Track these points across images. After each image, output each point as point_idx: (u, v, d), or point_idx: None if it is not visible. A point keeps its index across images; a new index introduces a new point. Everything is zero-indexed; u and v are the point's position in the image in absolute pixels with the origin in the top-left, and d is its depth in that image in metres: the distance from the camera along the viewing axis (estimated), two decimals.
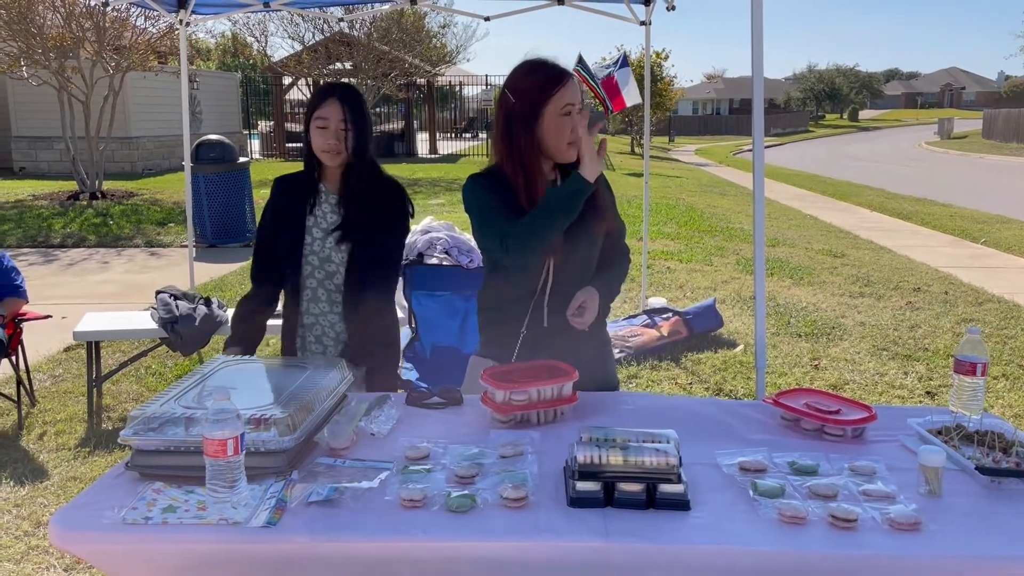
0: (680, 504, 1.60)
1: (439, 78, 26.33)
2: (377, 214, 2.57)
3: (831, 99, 74.64)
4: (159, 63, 16.38)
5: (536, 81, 2.21)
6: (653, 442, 1.71)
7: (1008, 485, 1.71)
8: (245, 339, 2.59)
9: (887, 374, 5.09)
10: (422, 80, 24.91)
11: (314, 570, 1.47)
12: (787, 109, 70.57)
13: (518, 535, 1.50)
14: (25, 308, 4.41)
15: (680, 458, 1.67)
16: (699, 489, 1.68)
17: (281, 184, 2.69)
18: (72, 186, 14.26)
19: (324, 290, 2.61)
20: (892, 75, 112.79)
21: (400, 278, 4.45)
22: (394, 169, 20.42)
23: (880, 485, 1.69)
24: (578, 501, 1.61)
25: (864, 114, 78.42)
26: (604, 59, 8.29)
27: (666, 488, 1.61)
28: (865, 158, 29.42)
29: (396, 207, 2.62)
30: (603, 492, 1.62)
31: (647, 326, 5.61)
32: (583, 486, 1.62)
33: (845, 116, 74.61)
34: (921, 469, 1.69)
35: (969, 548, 1.46)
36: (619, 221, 2.43)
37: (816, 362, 5.32)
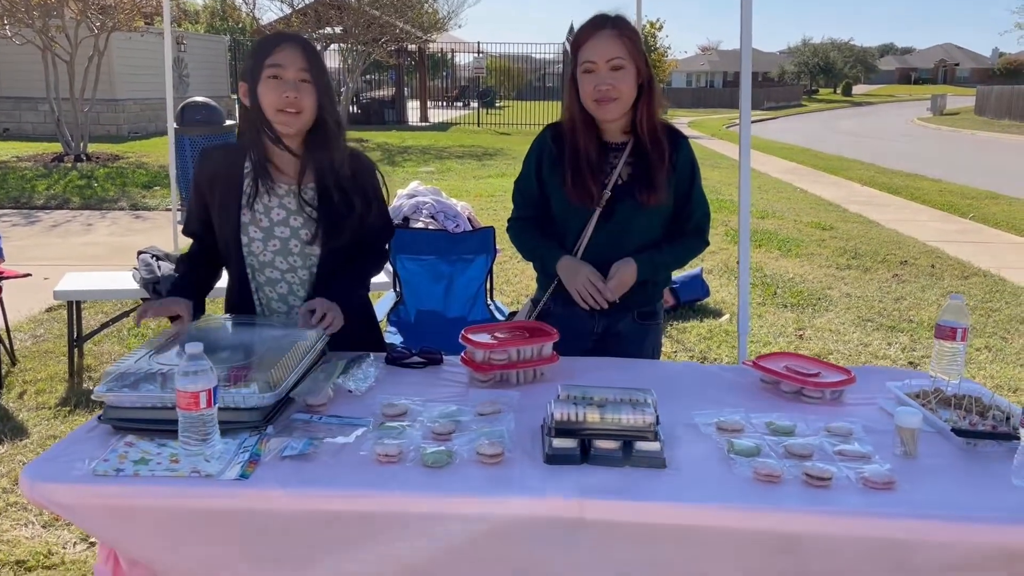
0: (656, 462, 1.59)
1: (431, 45, 26.03)
2: (354, 207, 2.09)
3: (825, 73, 74.29)
4: (145, 23, 16.10)
5: (574, 39, 2.23)
6: (631, 401, 1.70)
7: (984, 447, 1.71)
8: (185, 295, 2.07)
9: (871, 344, 5.11)
10: (413, 47, 24.62)
11: (286, 523, 1.46)
12: (781, 83, 70.25)
13: (493, 491, 1.50)
14: (3, 267, 4.35)
15: (657, 416, 1.66)
16: (676, 447, 1.67)
17: (208, 161, 2.10)
18: (56, 148, 14.07)
19: (265, 294, 2.18)
20: (887, 50, 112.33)
21: None
22: (384, 137, 20.28)
23: (856, 446, 1.69)
24: (554, 458, 1.60)
25: (858, 89, 78.16)
26: None
27: (642, 446, 1.60)
28: (857, 133, 29.35)
29: (375, 196, 2.18)
30: (579, 449, 1.61)
31: None
32: (559, 443, 1.61)
33: (839, 91, 74.35)
34: (897, 430, 1.69)
35: (942, 507, 1.47)
36: (696, 204, 2.34)
37: (800, 332, 5.34)
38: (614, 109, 2.18)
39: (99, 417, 1.71)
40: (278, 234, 2.08)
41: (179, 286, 2.14)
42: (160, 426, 1.65)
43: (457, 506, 1.47)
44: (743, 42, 2.83)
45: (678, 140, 2.31)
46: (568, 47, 7.43)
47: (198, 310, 2.11)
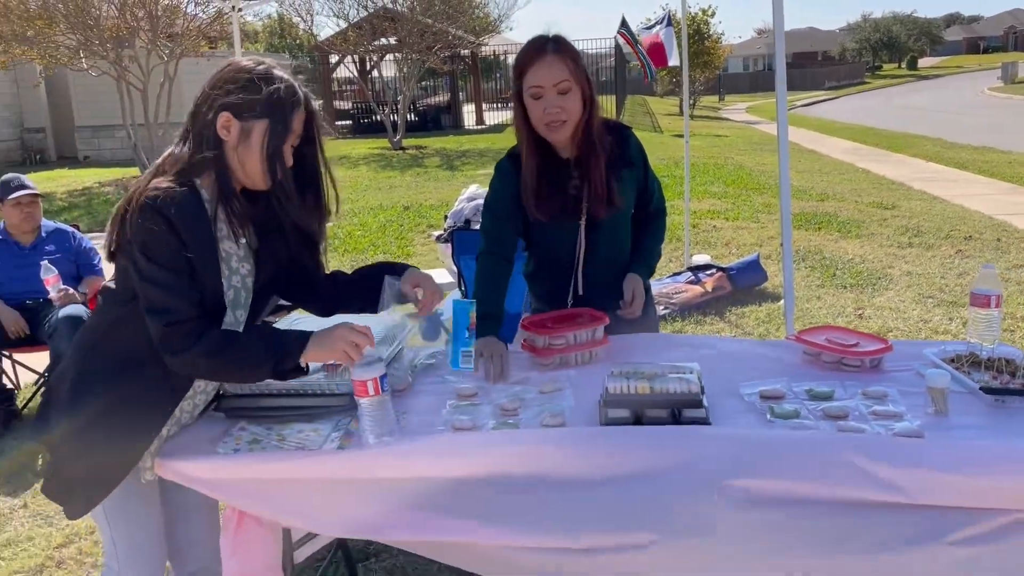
0: (702, 425, 1.77)
1: (483, 48, 26.34)
2: None
3: (888, 48, 72.25)
4: (210, 48, 16.80)
5: (516, 61, 2.27)
6: (678, 373, 1.88)
7: (1012, 403, 1.84)
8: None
9: (931, 320, 5.13)
10: (466, 51, 24.97)
11: (378, 484, 1.69)
12: (842, 61, 68.58)
13: (556, 440, 1.71)
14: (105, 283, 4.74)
15: (702, 386, 1.84)
16: (720, 414, 1.85)
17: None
18: (135, 172, 14.83)
19: None
20: (952, 20, 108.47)
21: (449, 244, 4.66)
22: (442, 142, 20.63)
23: (890, 406, 1.84)
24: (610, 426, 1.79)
25: (924, 62, 75.70)
26: (648, 19, 8.35)
27: (689, 412, 1.79)
28: (924, 107, 28.56)
29: None
30: (632, 419, 1.80)
31: (691, 283, 5.73)
32: (614, 413, 1.80)
33: (903, 65, 72.18)
34: (928, 391, 1.83)
35: (967, 451, 1.61)
36: (653, 186, 2.50)
37: (860, 311, 5.39)
38: (565, 131, 2.24)
39: (215, 407, 1.97)
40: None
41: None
42: (265, 412, 1.91)
43: (526, 454, 1.69)
44: (776, 24, 2.95)
45: (624, 134, 2.41)
46: (619, 40, 7.58)
47: None
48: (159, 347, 1.68)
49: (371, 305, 2.02)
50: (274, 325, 2.07)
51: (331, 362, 1.90)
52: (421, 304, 2.00)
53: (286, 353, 1.72)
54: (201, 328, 1.69)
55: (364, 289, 2.01)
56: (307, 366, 1.77)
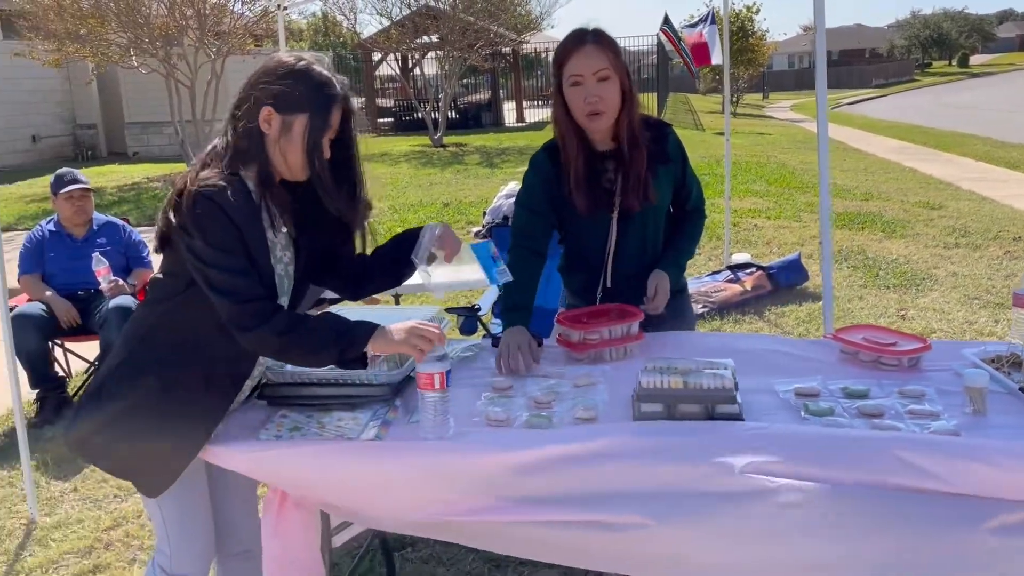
0: (735, 420, 1.78)
1: (524, 46, 26.36)
2: None
3: (938, 45, 70.72)
4: (256, 46, 17.07)
5: (556, 54, 2.29)
6: (712, 369, 1.89)
7: None
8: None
9: (976, 322, 5.04)
10: (507, 49, 25.01)
11: (412, 472, 1.73)
12: (890, 58, 67.27)
13: (588, 436, 1.72)
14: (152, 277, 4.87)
15: (736, 382, 1.84)
16: (754, 410, 1.85)
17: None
18: (182, 168, 15.04)
19: None
20: (1006, 16, 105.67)
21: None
22: (482, 140, 20.70)
23: (927, 406, 1.83)
24: (643, 420, 1.81)
25: (975, 59, 73.88)
26: (691, 16, 8.32)
27: (722, 408, 1.79)
28: (974, 106, 27.91)
29: None
30: (666, 414, 1.81)
31: (730, 281, 5.70)
32: (647, 407, 1.82)
33: (954, 63, 70.56)
34: (966, 390, 1.82)
35: (1003, 449, 1.60)
36: (691, 184, 2.50)
37: (903, 312, 5.31)
38: (604, 120, 2.25)
39: (258, 395, 2.03)
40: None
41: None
42: (304, 400, 1.96)
43: (556, 452, 1.70)
44: (817, 22, 2.91)
45: (664, 131, 2.41)
46: (661, 37, 7.58)
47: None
48: (229, 325, 1.74)
49: (392, 280, 2.10)
50: None
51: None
52: (445, 255, 2.06)
53: (353, 341, 1.77)
54: (269, 308, 1.75)
55: (380, 269, 2.08)
56: (367, 357, 1.82)
